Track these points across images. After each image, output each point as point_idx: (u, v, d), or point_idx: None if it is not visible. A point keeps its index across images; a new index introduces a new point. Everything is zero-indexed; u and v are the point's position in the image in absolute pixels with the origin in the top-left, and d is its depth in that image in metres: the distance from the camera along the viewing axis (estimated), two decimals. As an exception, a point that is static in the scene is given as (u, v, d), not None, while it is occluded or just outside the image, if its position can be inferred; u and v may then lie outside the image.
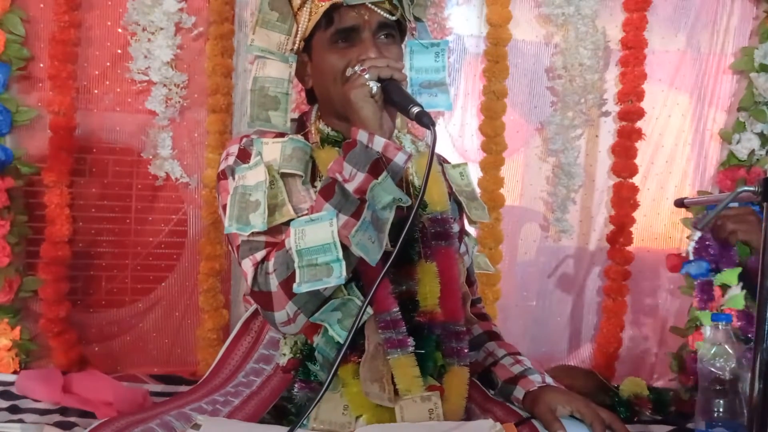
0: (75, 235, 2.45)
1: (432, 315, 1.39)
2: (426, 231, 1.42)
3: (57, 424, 1.89)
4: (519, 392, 1.39)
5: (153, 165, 2.49)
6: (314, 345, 1.34)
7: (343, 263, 1.23)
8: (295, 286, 1.23)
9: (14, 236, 2.36)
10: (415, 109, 1.24)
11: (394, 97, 1.28)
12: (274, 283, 1.28)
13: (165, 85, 2.47)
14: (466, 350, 1.44)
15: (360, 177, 1.24)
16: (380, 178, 1.24)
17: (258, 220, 1.30)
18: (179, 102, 2.49)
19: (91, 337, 2.51)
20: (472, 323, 1.56)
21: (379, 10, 1.36)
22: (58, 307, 2.38)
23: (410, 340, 1.33)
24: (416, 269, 1.39)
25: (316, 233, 1.24)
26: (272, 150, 1.39)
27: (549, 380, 1.41)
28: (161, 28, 2.44)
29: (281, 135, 1.43)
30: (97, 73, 2.48)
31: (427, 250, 1.41)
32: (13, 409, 2.02)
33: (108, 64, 2.49)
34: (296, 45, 1.41)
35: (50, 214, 2.39)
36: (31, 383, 2.15)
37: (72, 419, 1.95)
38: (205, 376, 1.49)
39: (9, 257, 2.33)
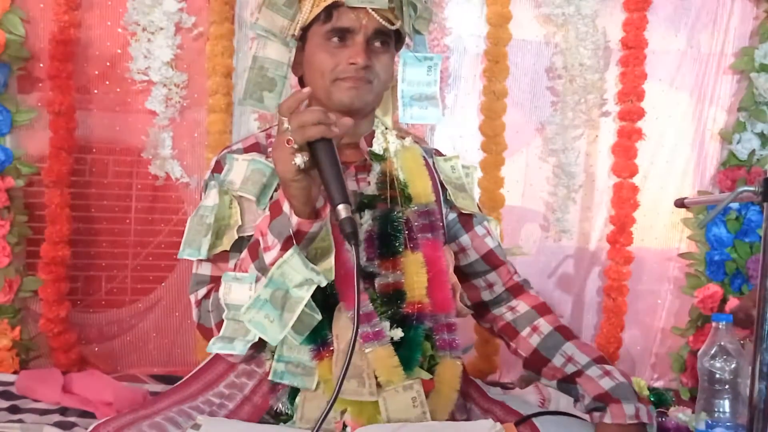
0: (75, 235, 2.44)
1: (420, 306, 1.37)
2: (411, 224, 1.41)
3: (57, 424, 1.89)
4: (608, 417, 1.33)
5: (153, 165, 2.49)
6: (276, 356, 1.33)
7: None
8: (209, 344, 1.26)
9: (14, 236, 2.36)
10: (342, 213, 1.09)
11: (324, 175, 1.13)
12: (212, 322, 1.32)
13: (165, 85, 2.47)
14: (458, 342, 1.42)
15: (275, 251, 1.20)
16: (286, 256, 1.18)
17: (204, 247, 1.32)
18: (179, 102, 2.49)
19: (91, 337, 2.51)
20: (462, 315, 1.53)
21: (378, 17, 1.36)
22: (58, 307, 2.38)
23: (385, 331, 1.32)
24: (402, 261, 1.38)
25: (239, 293, 1.24)
26: (239, 167, 1.38)
27: (642, 415, 1.33)
28: (161, 28, 2.44)
29: (256, 146, 1.43)
30: (97, 73, 2.48)
31: (413, 243, 1.40)
32: (13, 409, 2.02)
33: (108, 64, 2.48)
34: (295, 32, 1.41)
35: (50, 214, 2.39)
36: (31, 383, 2.15)
37: (72, 419, 1.95)
38: (199, 366, 1.49)
39: (9, 257, 2.34)
